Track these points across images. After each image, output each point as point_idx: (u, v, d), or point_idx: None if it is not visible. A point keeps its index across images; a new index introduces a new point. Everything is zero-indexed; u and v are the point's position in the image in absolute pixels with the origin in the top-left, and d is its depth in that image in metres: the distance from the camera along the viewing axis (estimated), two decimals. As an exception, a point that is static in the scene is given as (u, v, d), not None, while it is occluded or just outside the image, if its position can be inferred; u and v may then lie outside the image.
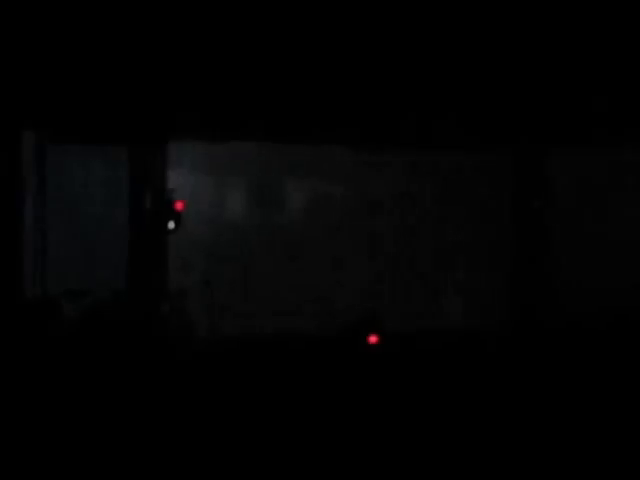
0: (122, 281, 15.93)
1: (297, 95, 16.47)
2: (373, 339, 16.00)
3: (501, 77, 16.47)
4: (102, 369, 12.88)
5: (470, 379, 13.58)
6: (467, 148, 18.35)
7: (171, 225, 16.27)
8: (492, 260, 18.79)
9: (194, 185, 17.09)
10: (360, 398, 12.05)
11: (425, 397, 12.04)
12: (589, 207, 18.38)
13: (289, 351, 15.53)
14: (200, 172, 17.31)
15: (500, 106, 17.33)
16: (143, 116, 12.43)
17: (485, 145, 18.41)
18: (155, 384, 12.56)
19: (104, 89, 12.02)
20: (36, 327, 13.20)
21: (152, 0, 12.31)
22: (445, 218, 18.70)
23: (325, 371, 13.80)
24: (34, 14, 11.46)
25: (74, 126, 12.32)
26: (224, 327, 16.62)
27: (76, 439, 9.54)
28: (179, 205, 16.24)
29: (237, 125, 16.78)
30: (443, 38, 15.12)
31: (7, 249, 12.46)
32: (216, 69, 15.18)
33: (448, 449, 9.31)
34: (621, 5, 14.22)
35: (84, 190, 16.18)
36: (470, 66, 15.87)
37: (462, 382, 13.43)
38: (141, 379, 12.65)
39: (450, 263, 18.72)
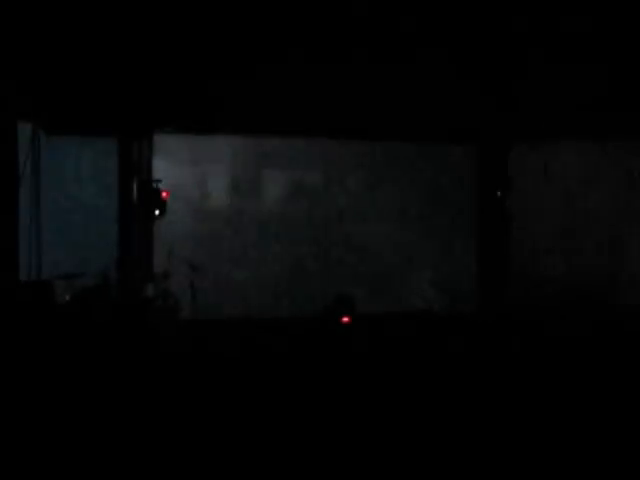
0: (111, 265, 16.10)
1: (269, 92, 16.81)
2: (345, 319, 16.60)
3: (465, 76, 16.69)
4: (91, 347, 12.93)
5: (432, 356, 13.90)
6: (435, 140, 18.69)
7: (157, 212, 16.70)
8: (460, 246, 19.08)
9: (178, 175, 17.42)
10: (334, 370, 12.31)
11: (390, 370, 12.29)
12: (547, 197, 18.85)
13: (269, 331, 15.81)
14: (183, 163, 17.65)
15: (465, 102, 17.53)
16: (131, 110, 12.57)
17: (452, 138, 18.80)
18: (141, 362, 12.72)
19: (96, 85, 12.06)
20: (30, 308, 13.07)
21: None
22: (415, 206, 18.99)
23: (303, 347, 14.19)
24: (31, 14, 11.57)
25: (67, 119, 12.34)
26: (206, 309, 16.89)
27: (63, 414, 9.54)
28: (164, 194, 16.67)
29: (217, 119, 17.22)
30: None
31: (2, 235, 12.37)
32: (196, 69, 15.53)
33: (410, 420, 9.40)
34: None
35: (76, 179, 16.46)
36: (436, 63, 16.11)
37: (423, 358, 13.79)
38: (128, 357, 12.79)
39: (420, 249, 18.98)
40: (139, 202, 16.90)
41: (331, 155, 18.58)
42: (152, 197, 16.67)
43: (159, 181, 16.74)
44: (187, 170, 17.62)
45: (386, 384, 11.16)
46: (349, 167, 18.65)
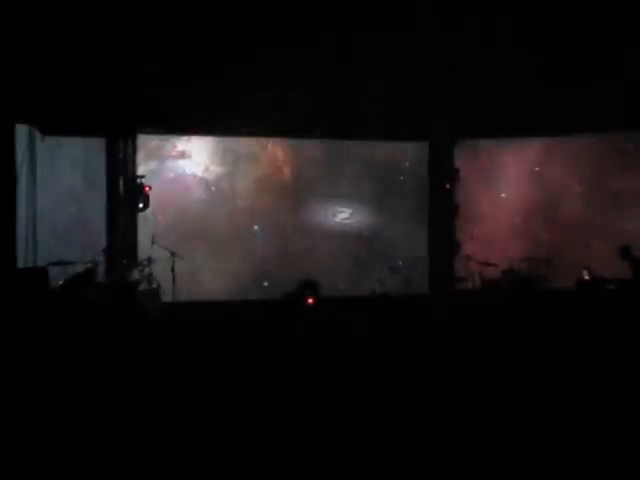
0: (100, 252, 16.46)
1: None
2: (310, 301, 17.35)
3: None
4: (82, 326, 13.13)
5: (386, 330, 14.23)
6: (390, 137, 19.62)
7: (140, 205, 17.56)
8: (416, 234, 19.97)
9: (160, 172, 18.37)
10: (299, 346, 12.42)
11: (350, 344, 12.28)
12: (488, 189, 19.97)
13: (242, 312, 16.15)
14: (164, 160, 18.60)
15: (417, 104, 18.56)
16: (118, 114, 13.04)
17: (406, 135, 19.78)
18: (129, 338, 12.96)
19: (87, 92, 12.45)
20: (26, 292, 13.30)
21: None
22: (373, 196, 19.94)
23: (273, 325, 14.37)
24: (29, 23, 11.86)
25: (60, 121, 12.68)
26: (186, 292, 17.65)
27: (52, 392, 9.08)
28: (147, 189, 17.53)
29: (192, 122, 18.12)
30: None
31: (2, 226, 12.71)
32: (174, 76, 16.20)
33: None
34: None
35: (69, 176, 17.06)
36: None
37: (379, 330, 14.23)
38: (117, 334, 12.98)
39: (378, 236, 19.87)
40: (125, 196, 17.72)
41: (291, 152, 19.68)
42: (136, 191, 17.48)
43: (142, 177, 17.59)
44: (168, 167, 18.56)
45: (346, 358, 10.92)
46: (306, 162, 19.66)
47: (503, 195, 19.84)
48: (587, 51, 15.93)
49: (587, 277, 16.72)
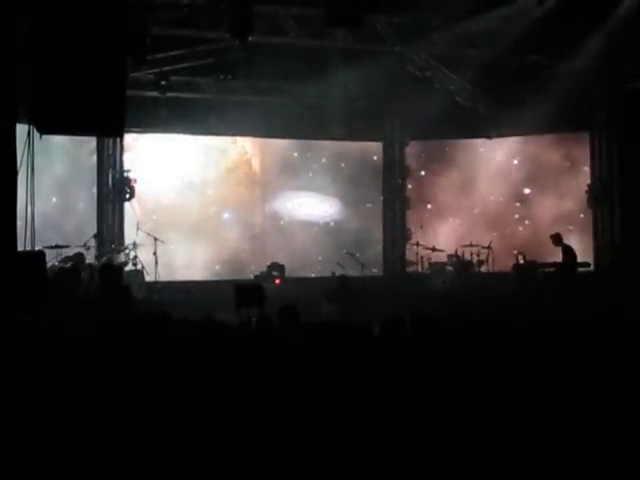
0: (91, 237, 16.83)
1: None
2: (277, 281, 18.00)
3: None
4: (73, 306, 13.10)
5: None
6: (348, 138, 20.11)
7: (127, 196, 17.99)
8: (372, 224, 20.47)
9: (144, 166, 18.60)
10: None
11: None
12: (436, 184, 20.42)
13: (216, 292, 16.09)
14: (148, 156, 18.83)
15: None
16: (107, 115, 13.00)
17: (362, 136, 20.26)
18: (117, 314, 11.90)
19: (80, 95, 12.46)
20: (25, 274, 12.25)
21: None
22: (336, 187, 20.29)
23: (245, 302, 13.57)
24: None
25: (57, 120, 12.61)
26: (166, 274, 17.80)
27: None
28: (133, 181, 17.96)
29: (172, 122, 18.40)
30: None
31: (3, 216, 12.57)
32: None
33: None
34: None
35: (63, 170, 17.41)
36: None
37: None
38: (106, 310, 12.26)
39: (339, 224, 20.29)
40: (113, 187, 18.11)
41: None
42: (123, 184, 17.89)
43: (128, 171, 18.00)
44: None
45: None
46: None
47: (451, 189, 20.33)
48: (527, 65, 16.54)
49: (522, 261, 17.17)
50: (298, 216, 20.19)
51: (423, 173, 20.60)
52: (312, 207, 20.22)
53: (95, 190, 18.49)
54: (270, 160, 20.19)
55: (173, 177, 19.05)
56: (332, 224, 20.33)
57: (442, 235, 19.79)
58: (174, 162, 19.09)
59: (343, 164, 20.42)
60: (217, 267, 19.24)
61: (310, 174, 20.30)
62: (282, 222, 20.16)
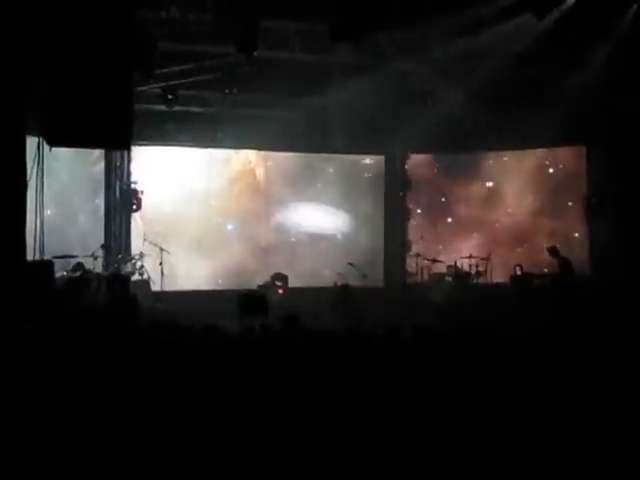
0: (99, 247, 16.91)
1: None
2: (281, 291, 18.04)
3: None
4: (83, 313, 13.15)
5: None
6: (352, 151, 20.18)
7: (134, 207, 18.03)
8: (374, 235, 20.50)
9: (151, 179, 18.59)
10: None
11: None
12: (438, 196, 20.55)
13: (220, 301, 15.75)
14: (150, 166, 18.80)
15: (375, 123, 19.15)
16: (115, 127, 13.03)
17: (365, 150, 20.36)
18: (124, 321, 12.58)
19: (89, 108, 12.51)
20: (35, 283, 12.84)
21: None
22: (341, 198, 20.39)
23: (249, 311, 13.88)
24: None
25: (66, 133, 12.67)
26: (172, 283, 17.85)
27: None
28: (139, 193, 18.01)
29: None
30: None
31: (14, 226, 12.56)
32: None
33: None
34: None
35: (72, 181, 17.40)
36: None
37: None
38: (114, 317, 12.88)
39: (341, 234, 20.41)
40: (120, 199, 18.16)
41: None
42: (130, 195, 17.93)
43: (135, 182, 18.03)
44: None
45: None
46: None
47: (450, 202, 20.43)
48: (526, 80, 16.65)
49: (519, 272, 17.20)
50: (303, 228, 20.22)
51: (426, 186, 20.71)
52: (318, 219, 20.23)
53: (98, 201, 18.50)
54: (274, 169, 20.16)
55: (175, 187, 18.98)
56: (338, 236, 20.43)
57: (442, 247, 20.00)
58: (176, 171, 19.06)
59: (350, 175, 20.53)
60: (220, 280, 19.20)
61: (318, 185, 20.39)
62: (287, 234, 20.18)
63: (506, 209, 20.03)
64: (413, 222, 20.70)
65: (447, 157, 20.58)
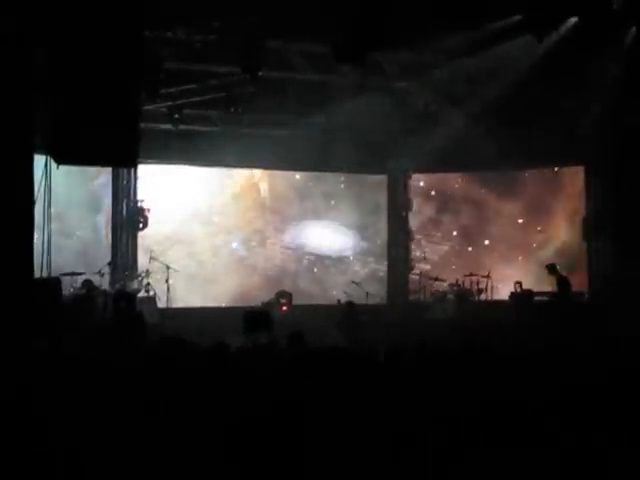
0: (106, 265, 16.82)
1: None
2: (285, 308, 17.99)
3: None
4: (90, 329, 13.44)
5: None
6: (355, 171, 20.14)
7: (140, 225, 17.97)
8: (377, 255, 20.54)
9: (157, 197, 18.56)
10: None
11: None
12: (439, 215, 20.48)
13: (225, 318, 15.66)
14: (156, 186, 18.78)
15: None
16: (121, 146, 13.03)
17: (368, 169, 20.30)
18: (131, 338, 12.68)
19: (96, 127, 12.50)
20: (42, 300, 12.86)
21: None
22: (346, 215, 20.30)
23: (253, 328, 13.49)
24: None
25: (74, 151, 12.65)
26: (178, 301, 17.87)
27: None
28: (146, 211, 17.95)
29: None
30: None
31: (21, 243, 12.54)
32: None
33: None
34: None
35: (69, 197, 17.03)
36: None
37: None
38: (121, 334, 12.87)
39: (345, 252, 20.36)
40: (127, 217, 18.10)
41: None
42: (137, 213, 17.88)
43: (142, 200, 17.98)
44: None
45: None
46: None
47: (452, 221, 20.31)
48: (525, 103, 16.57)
49: (519, 290, 17.16)
50: (306, 243, 20.18)
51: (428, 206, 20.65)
52: (325, 237, 20.18)
53: (98, 217, 18.40)
54: (279, 184, 20.09)
55: (176, 204, 18.95)
56: (338, 252, 20.36)
57: (444, 266, 19.98)
58: (177, 187, 19.03)
59: (357, 191, 20.48)
60: (224, 303, 18.99)
61: (321, 200, 20.27)
62: (292, 251, 20.13)
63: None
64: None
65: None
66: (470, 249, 20.36)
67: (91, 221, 18.39)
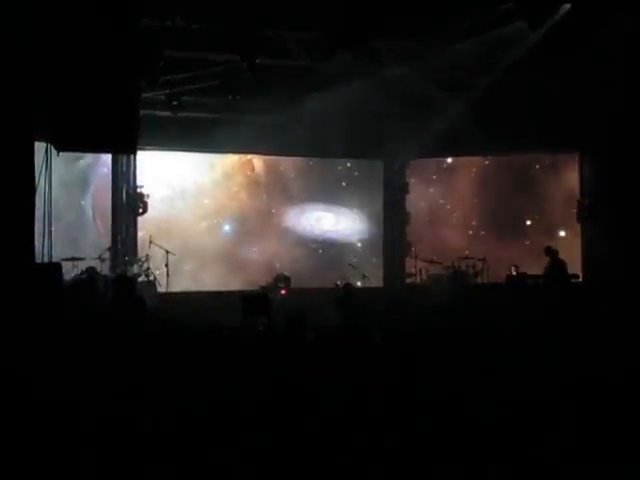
0: (106, 250, 16.92)
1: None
2: (283, 292, 18.00)
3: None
4: (90, 315, 12.54)
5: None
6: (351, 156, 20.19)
7: (140, 210, 17.99)
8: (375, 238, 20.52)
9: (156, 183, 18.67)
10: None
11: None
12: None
13: (223, 302, 15.61)
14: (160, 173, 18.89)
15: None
16: (121, 133, 13.02)
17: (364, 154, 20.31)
18: (131, 322, 11.99)
19: (96, 114, 12.49)
20: (43, 284, 12.49)
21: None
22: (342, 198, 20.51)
23: (251, 312, 13.84)
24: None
25: (74, 138, 12.64)
26: (177, 285, 17.85)
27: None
28: (145, 196, 17.95)
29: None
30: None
31: (22, 229, 12.56)
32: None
33: None
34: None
35: (79, 185, 17.50)
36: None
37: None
38: (122, 318, 12.21)
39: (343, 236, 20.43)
40: (127, 202, 18.07)
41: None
42: (136, 198, 17.86)
43: (141, 186, 17.96)
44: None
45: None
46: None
47: (448, 206, 20.24)
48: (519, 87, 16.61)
49: (515, 273, 17.17)
50: (302, 227, 20.28)
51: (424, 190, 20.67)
52: (323, 219, 20.39)
53: (83, 202, 18.44)
54: (273, 159, 20.05)
55: (163, 185, 19.03)
56: (335, 236, 20.42)
57: (440, 248, 19.83)
58: (168, 169, 19.14)
59: (357, 172, 20.58)
60: (222, 284, 18.91)
61: (316, 180, 20.38)
62: (286, 233, 20.20)
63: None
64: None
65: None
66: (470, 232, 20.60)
67: (77, 205, 18.43)
